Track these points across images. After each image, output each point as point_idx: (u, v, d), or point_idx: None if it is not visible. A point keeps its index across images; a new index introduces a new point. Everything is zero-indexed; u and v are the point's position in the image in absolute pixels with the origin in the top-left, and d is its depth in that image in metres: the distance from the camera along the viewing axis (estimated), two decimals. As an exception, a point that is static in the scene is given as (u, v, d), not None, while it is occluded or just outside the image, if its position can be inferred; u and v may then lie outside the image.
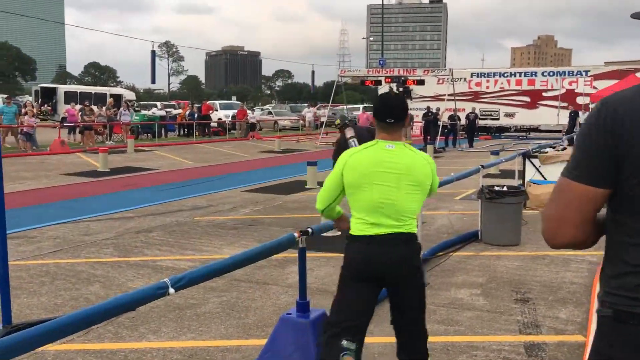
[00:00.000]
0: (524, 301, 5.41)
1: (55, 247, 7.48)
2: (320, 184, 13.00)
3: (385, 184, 3.05)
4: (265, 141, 27.89)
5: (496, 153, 16.44)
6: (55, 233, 8.25)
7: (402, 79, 26.03)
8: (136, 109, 28.92)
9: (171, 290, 2.64)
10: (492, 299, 5.46)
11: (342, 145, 9.01)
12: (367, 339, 4.50)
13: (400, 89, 33.35)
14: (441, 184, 6.44)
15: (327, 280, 6.05)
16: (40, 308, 5.24)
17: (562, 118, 31.54)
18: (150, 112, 30.62)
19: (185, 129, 29.01)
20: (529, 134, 33.55)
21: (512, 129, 34.71)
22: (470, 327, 4.76)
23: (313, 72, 36.75)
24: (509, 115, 33.94)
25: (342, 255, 3.19)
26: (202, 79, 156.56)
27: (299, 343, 3.50)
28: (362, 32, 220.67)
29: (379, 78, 26.37)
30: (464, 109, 28.91)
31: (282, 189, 12.77)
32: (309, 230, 3.75)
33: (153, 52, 22.77)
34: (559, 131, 33.59)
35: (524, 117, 33.55)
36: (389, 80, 26.10)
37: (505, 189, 7.72)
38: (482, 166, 8.06)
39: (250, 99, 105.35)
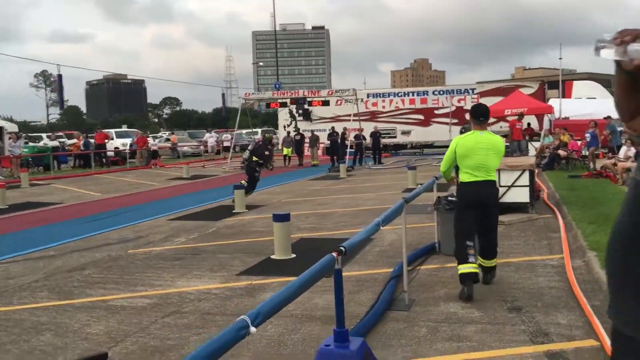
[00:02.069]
0: (518, 310, 5.30)
1: (-23, 295, 6.47)
2: (248, 206, 12.56)
3: (480, 154, 5.68)
4: (169, 168, 26.72)
5: (413, 168, 16.76)
6: (-28, 279, 7.17)
7: (308, 100, 26.04)
8: (25, 140, 26.69)
9: (252, 330, 2.19)
10: (486, 310, 5.30)
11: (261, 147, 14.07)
12: None
13: (300, 111, 33.59)
14: (410, 198, 6.28)
15: (309, 306, 5.62)
16: (-11, 368, 4.41)
17: (454, 133, 33.04)
18: (40, 144, 28.41)
19: (81, 160, 27.15)
20: (423, 150, 34.75)
21: (408, 146, 35.82)
22: (481, 341, 4.55)
23: (223, 95, 36.09)
24: (405, 133, 35.04)
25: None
26: (84, 109, 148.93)
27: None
28: (244, 59, 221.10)
29: (285, 100, 26.22)
30: (363, 129, 29.40)
31: (209, 215, 12.12)
32: (342, 249, 3.37)
33: (59, 76, 20.99)
34: (452, 146, 35.18)
35: (419, 135, 34.73)
36: (294, 102, 26.04)
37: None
38: (436, 177, 8.00)
39: (138, 127, 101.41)
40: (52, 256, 8.51)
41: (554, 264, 6.93)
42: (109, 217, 12.26)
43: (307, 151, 27.99)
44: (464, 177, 5.76)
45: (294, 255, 7.84)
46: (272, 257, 7.82)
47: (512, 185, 10.25)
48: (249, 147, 14.38)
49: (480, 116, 5.79)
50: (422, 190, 6.99)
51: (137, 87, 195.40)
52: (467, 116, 29.09)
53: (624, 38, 1.53)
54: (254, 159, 13.74)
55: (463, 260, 5.61)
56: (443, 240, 7.64)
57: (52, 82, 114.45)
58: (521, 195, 10.29)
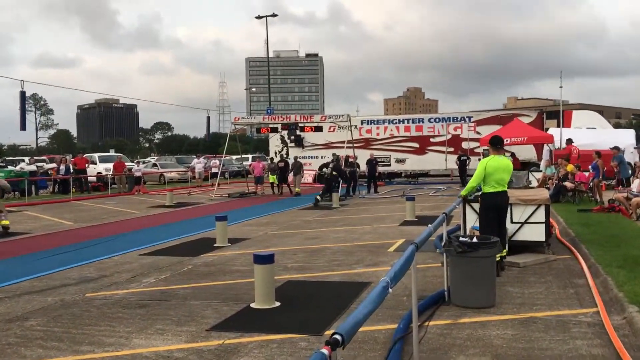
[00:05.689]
0: (560, 390, 4.13)
1: None
2: (231, 240, 11.40)
3: (500, 172, 7.83)
4: (153, 195, 25.45)
5: (412, 199, 15.64)
6: None
7: (299, 125, 24.90)
8: (1, 164, 25.39)
9: None
10: (519, 391, 4.12)
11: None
12: None
13: (292, 137, 32.48)
14: (421, 243, 5.13)
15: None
16: None
17: (450, 163, 32.06)
18: (17, 168, 27.13)
19: (60, 185, 25.84)
20: (418, 179, 33.67)
21: (403, 175, 34.74)
22: None
23: (208, 118, 34.77)
24: (400, 161, 33.90)
25: None
26: (74, 132, 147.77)
27: None
28: (238, 86, 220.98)
29: (275, 125, 25.10)
30: (357, 156, 28.32)
31: (188, 249, 10.91)
32: (338, 338, 2.19)
33: (22, 93, 19.81)
34: (448, 175, 34.14)
35: (414, 163, 33.62)
36: (286, 127, 24.91)
37: (474, 239, 6.55)
38: (445, 213, 6.86)
39: (128, 152, 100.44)
40: (-4, 300, 7.26)
41: (588, 320, 5.78)
42: (74, 251, 11.01)
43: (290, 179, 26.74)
44: (488, 189, 7.83)
45: (278, 304, 6.64)
46: (252, 305, 6.63)
47: (525, 222, 9.14)
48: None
49: (498, 144, 8.03)
50: (433, 231, 5.81)
51: (129, 112, 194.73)
52: (465, 145, 29.04)
53: None
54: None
55: None
56: (454, 288, 6.49)
57: (42, 106, 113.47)
58: (536, 232, 9.16)
